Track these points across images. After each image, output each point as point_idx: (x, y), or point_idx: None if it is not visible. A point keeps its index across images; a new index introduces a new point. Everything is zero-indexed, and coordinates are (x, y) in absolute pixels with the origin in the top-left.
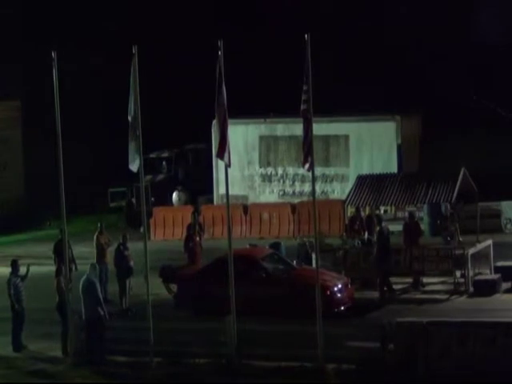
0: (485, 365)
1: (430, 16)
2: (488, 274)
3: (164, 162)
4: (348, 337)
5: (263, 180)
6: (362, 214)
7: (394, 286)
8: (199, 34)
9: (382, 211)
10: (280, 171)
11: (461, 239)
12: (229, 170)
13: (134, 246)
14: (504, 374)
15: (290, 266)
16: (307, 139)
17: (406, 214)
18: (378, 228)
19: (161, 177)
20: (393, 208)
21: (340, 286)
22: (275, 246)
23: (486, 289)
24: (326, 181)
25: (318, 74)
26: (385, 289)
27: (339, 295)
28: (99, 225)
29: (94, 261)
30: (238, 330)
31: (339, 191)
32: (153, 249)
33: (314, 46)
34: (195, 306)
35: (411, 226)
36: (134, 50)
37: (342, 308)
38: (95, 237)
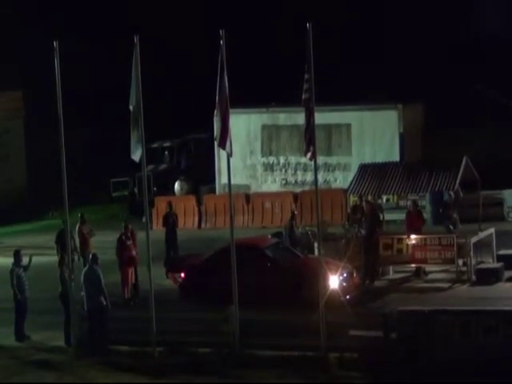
0: (487, 353)
1: (434, 4)
2: (490, 263)
3: (166, 152)
4: (350, 326)
5: (265, 169)
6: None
7: (397, 275)
8: (201, 23)
9: (384, 200)
10: (282, 160)
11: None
12: (231, 160)
13: (136, 236)
14: (506, 362)
15: (294, 254)
16: (309, 128)
17: (409, 203)
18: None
19: (163, 166)
20: (395, 197)
21: (345, 274)
22: (277, 235)
23: (488, 277)
24: (329, 170)
25: (320, 62)
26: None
27: (344, 284)
28: (80, 215)
29: (79, 251)
30: (240, 320)
31: (341, 180)
32: (155, 238)
33: (315, 35)
34: (200, 295)
35: (414, 215)
36: (136, 39)
37: (348, 297)
38: (77, 227)
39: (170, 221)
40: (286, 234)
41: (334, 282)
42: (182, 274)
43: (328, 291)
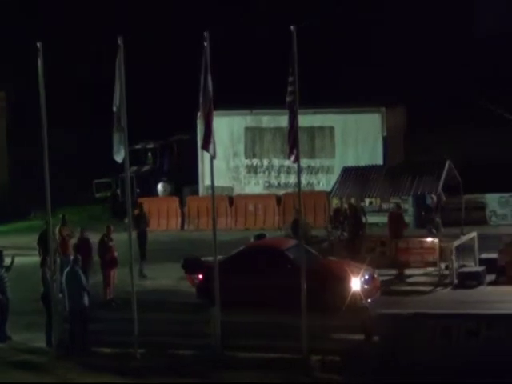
0: (468, 357)
1: (415, 7)
2: (472, 266)
3: (149, 153)
4: (332, 329)
5: (249, 171)
6: (345, 205)
7: (379, 279)
8: (185, 25)
9: (367, 203)
10: (265, 163)
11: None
12: (214, 162)
13: (118, 237)
14: (487, 367)
15: (315, 257)
16: (292, 131)
17: (391, 206)
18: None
19: (146, 168)
20: (378, 200)
21: (367, 277)
22: (260, 237)
23: (470, 281)
24: (312, 172)
25: (304, 65)
26: None
27: (366, 287)
28: (61, 216)
29: (57, 253)
30: (222, 322)
31: (324, 183)
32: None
33: (299, 38)
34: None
35: (396, 218)
36: (120, 41)
37: (369, 300)
38: (57, 229)
39: (142, 221)
40: (291, 232)
41: (356, 284)
42: (200, 276)
43: (350, 294)
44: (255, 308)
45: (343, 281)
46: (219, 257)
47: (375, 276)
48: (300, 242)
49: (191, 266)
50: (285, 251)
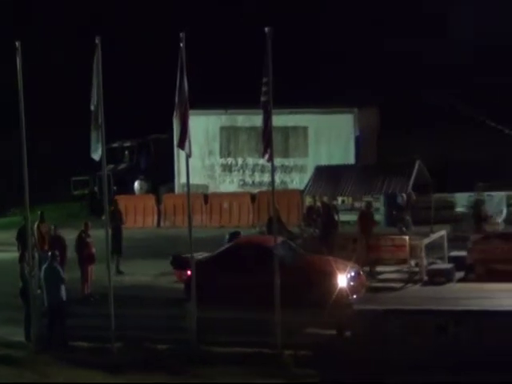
0: (437, 352)
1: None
2: (442, 264)
3: (126, 152)
4: (306, 324)
5: (223, 170)
6: (318, 204)
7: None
8: (162, 24)
9: (339, 201)
10: (240, 161)
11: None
12: (190, 160)
13: (96, 234)
14: (455, 361)
15: (301, 254)
16: (267, 130)
17: (362, 204)
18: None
19: (123, 166)
20: (350, 198)
21: (353, 273)
22: (235, 234)
23: (439, 278)
24: (285, 171)
25: (278, 65)
26: None
27: (352, 283)
28: (40, 213)
29: (36, 249)
30: (198, 317)
31: (298, 181)
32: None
33: (274, 38)
34: (207, 294)
35: (366, 216)
36: (97, 40)
37: (355, 296)
38: (35, 225)
39: (115, 218)
40: (266, 230)
41: (343, 280)
42: (189, 272)
43: (336, 290)
44: (242, 305)
45: (329, 277)
46: (204, 254)
47: (361, 273)
48: (285, 240)
49: (180, 262)
50: (272, 248)
